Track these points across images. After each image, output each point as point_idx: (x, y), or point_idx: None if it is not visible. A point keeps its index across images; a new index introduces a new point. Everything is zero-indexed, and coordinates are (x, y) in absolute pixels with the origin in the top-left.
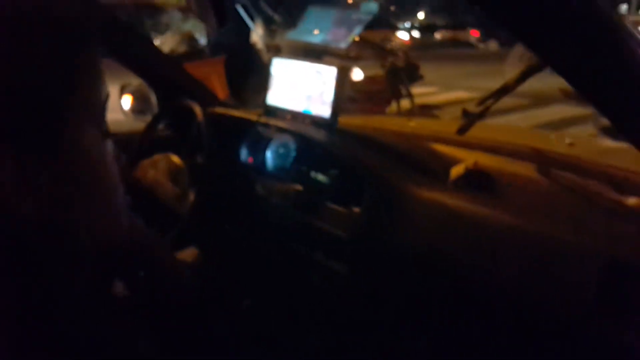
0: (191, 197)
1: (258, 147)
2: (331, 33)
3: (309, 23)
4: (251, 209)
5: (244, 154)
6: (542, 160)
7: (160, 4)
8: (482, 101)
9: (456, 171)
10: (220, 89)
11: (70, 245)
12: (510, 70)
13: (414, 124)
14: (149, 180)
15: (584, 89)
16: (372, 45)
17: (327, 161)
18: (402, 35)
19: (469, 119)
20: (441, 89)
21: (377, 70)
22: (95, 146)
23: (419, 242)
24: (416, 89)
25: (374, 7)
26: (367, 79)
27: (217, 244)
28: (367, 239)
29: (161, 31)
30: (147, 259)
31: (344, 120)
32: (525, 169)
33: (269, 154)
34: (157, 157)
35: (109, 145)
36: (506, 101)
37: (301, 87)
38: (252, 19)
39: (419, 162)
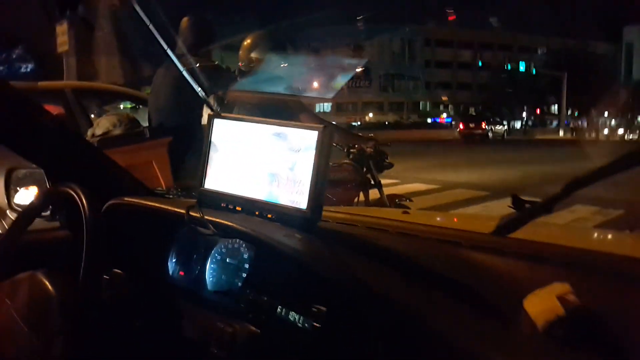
0: (56, 352)
1: (192, 256)
2: (304, 80)
3: (271, 67)
4: None
5: (171, 267)
6: None
7: (102, 87)
8: (557, 196)
9: (545, 312)
10: (162, 176)
11: None
12: None
13: (414, 218)
14: None
15: None
16: (341, 130)
17: (304, 286)
18: None
19: (523, 212)
20: (402, 181)
21: (345, 158)
22: None
23: None
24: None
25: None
26: (334, 166)
27: None
28: None
29: (100, 114)
30: None
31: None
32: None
33: (209, 269)
34: (19, 277)
35: None
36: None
37: (259, 162)
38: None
39: (476, 294)
